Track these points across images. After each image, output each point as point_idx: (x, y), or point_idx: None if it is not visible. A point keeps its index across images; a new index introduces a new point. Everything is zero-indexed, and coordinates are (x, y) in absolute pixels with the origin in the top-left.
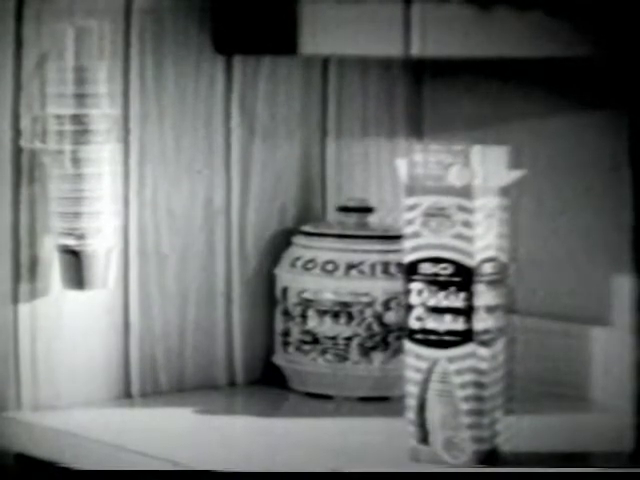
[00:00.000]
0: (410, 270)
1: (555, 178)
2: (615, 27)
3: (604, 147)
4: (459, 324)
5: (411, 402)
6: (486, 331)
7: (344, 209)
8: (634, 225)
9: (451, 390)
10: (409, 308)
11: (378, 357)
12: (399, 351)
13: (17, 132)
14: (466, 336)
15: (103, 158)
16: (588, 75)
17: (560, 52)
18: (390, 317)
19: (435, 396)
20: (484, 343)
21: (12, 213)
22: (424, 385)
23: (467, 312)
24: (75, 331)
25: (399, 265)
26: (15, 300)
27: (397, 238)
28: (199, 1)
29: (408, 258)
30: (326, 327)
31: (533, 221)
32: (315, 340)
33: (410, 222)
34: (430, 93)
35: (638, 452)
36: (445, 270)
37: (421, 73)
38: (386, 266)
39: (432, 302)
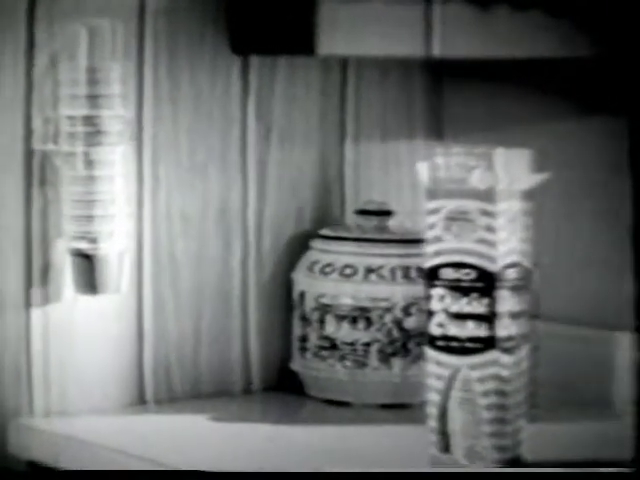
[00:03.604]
0: (431, 275)
1: (574, 181)
2: (618, 28)
3: (623, 149)
4: (482, 331)
5: (432, 410)
6: (509, 338)
7: (363, 212)
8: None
9: (473, 398)
10: (430, 314)
11: (398, 363)
12: (419, 357)
13: (29, 133)
14: (489, 343)
15: (116, 160)
16: (605, 76)
17: (583, 53)
18: (410, 323)
19: (457, 404)
20: (507, 350)
21: (24, 216)
22: (446, 393)
23: (490, 318)
24: (88, 336)
25: (419, 270)
26: (27, 305)
27: (417, 242)
28: (215, 1)
29: (429, 263)
30: (344, 333)
31: (556, 225)
32: (333, 346)
33: (432, 226)
34: (450, 94)
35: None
36: (467, 275)
37: (441, 74)
38: (406, 270)
39: (454, 308)
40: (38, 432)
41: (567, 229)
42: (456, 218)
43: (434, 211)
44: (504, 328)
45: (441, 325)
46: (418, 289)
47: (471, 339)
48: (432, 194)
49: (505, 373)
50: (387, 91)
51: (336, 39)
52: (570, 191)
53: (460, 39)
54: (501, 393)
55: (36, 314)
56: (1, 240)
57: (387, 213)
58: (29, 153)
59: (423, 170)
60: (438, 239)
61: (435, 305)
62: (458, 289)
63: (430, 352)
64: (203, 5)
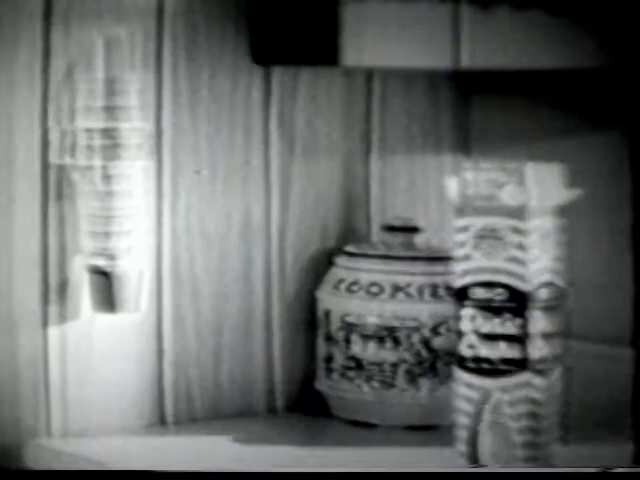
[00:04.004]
0: (461, 295)
1: (609, 196)
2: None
3: None
4: (514, 352)
5: (462, 433)
6: (542, 359)
7: (389, 228)
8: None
9: (504, 422)
10: (460, 335)
11: (426, 384)
12: (448, 378)
13: (45, 147)
14: (521, 365)
15: (134, 174)
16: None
17: (612, 64)
18: (439, 342)
19: (487, 428)
20: (540, 372)
21: (41, 232)
22: (476, 416)
23: (522, 339)
24: (106, 356)
25: (448, 288)
26: (44, 323)
27: (445, 259)
28: (235, 10)
29: (459, 282)
30: (371, 352)
31: (589, 242)
32: (359, 366)
33: (461, 244)
34: (478, 106)
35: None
36: (499, 295)
37: (468, 86)
38: (434, 289)
39: (485, 329)
40: (56, 453)
41: (601, 246)
42: (486, 236)
43: (463, 229)
44: (537, 349)
45: (472, 346)
46: (446, 308)
47: (503, 361)
48: (461, 211)
49: (538, 396)
50: (413, 103)
51: (361, 50)
52: (605, 207)
53: (489, 50)
54: (534, 416)
55: (53, 333)
56: (17, 256)
57: (414, 229)
58: (45, 167)
59: (451, 186)
60: (467, 257)
61: (465, 326)
62: (489, 309)
63: (460, 374)
64: (223, 15)
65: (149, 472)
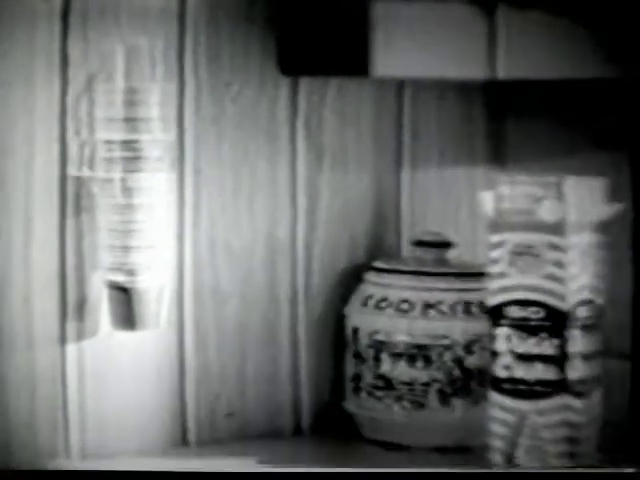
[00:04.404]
0: (496, 314)
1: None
2: None
3: None
4: (551, 373)
5: (496, 457)
6: (581, 381)
7: (420, 243)
8: None
9: (542, 446)
10: (495, 355)
11: (458, 405)
12: (481, 399)
13: (64, 158)
14: (559, 386)
15: (155, 187)
16: None
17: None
18: (472, 361)
19: (524, 452)
20: (579, 394)
21: (58, 246)
22: (512, 440)
23: (560, 360)
24: (126, 374)
25: (481, 305)
26: (62, 341)
27: (478, 275)
28: (261, 18)
29: (494, 300)
30: (401, 371)
31: (628, 258)
32: (389, 385)
33: (496, 261)
34: (513, 118)
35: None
36: (535, 314)
37: (503, 97)
38: (467, 306)
39: (521, 349)
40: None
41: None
42: (522, 252)
43: (498, 245)
44: (575, 370)
45: (507, 367)
46: (480, 325)
47: (540, 382)
48: (496, 226)
49: (576, 419)
50: (446, 115)
51: (392, 60)
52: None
53: (525, 60)
54: (572, 440)
55: (71, 351)
56: (34, 271)
57: (445, 244)
58: (64, 179)
59: (486, 200)
60: (503, 275)
61: (500, 345)
62: (525, 329)
63: (494, 396)
64: (248, 23)
65: (149, 472)
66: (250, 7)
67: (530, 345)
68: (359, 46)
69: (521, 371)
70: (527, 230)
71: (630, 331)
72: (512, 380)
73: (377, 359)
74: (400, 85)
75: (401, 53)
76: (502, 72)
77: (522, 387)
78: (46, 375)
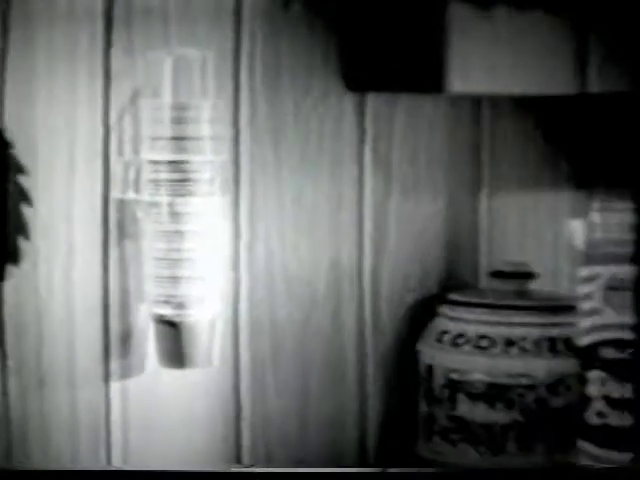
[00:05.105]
0: (587, 354)
1: None
2: None
3: None
4: None
5: None
6: None
7: (499, 274)
8: None
9: None
10: (586, 400)
11: (541, 451)
12: (568, 446)
13: (107, 180)
14: None
15: (206, 212)
16: None
17: None
18: (557, 404)
19: None
20: None
21: (101, 275)
22: None
23: None
24: (174, 418)
25: (568, 342)
26: (105, 378)
27: (564, 309)
28: (324, 31)
29: (585, 340)
30: (479, 414)
31: None
32: (465, 428)
33: (588, 296)
34: (603, 137)
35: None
36: (633, 356)
37: (592, 113)
38: (552, 343)
39: (616, 394)
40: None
41: None
42: (617, 287)
43: (590, 278)
44: None
45: (600, 414)
46: (566, 365)
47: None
48: (588, 258)
49: None
50: (527, 134)
51: (469, 75)
52: None
53: (616, 74)
54: None
55: (115, 390)
56: (76, 303)
57: (527, 275)
58: (106, 203)
59: (575, 229)
60: (595, 312)
61: (593, 389)
62: (621, 372)
63: (585, 445)
64: (310, 36)
65: (149, 472)
66: (312, 17)
67: (627, 390)
68: (433, 60)
69: (616, 419)
70: (622, 262)
71: None
72: (606, 428)
73: (452, 400)
74: (477, 102)
75: (478, 68)
76: (594, 86)
77: (616, 437)
78: (88, 416)
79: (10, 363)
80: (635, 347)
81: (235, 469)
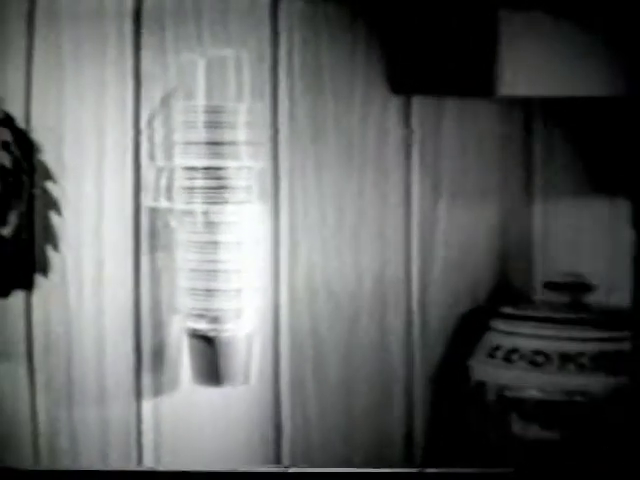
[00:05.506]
0: None
1: None
2: None
3: None
4: None
5: None
6: None
7: (554, 286)
8: None
9: None
10: None
11: (598, 468)
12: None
13: (138, 187)
14: None
15: (243, 221)
16: None
17: None
18: (614, 421)
19: None
20: None
21: (132, 287)
22: None
23: None
24: (209, 438)
25: (629, 358)
26: (137, 395)
27: (622, 323)
28: (367, 31)
29: None
30: (533, 432)
31: None
32: (518, 447)
33: None
34: None
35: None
36: None
37: None
38: (610, 358)
39: None
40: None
41: None
42: None
43: None
44: None
45: None
46: (623, 381)
47: None
48: None
49: None
50: (582, 137)
51: (520, 77)
52: None
53: None
54: None
55: (147, 407)
56: (106, 315)
57: (583, 287)
58: (138, 211)
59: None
60: None
61: None
62: None
63: None
64: (352, 34)
65: (149, 472)
66: (354, 16)
67: None
68: (483, 62)
69: None
70: None
71: None
72: None
73: (504, 417)
74: (528, 106)
75: (531, 69)
76: None
77: None
78: (119, 435)
79: (39, 378)
80: None
81: None
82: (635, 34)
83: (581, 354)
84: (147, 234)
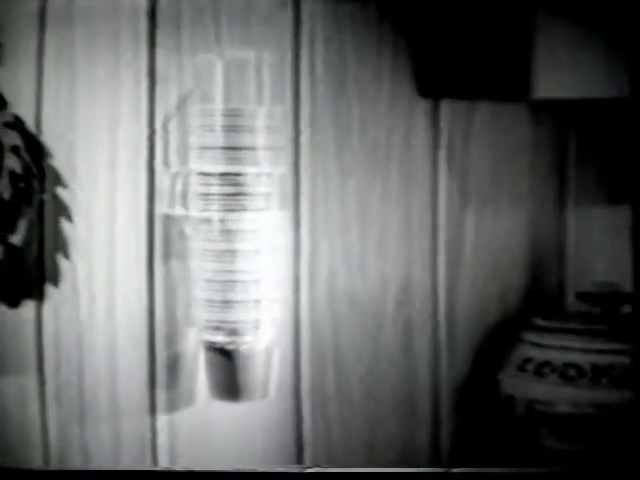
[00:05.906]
0: None
1: None
2: None
3: None
4: None
5: None
6: None
7: (588, 296)
8: None
9: None
10: None
11: None
12: None
13: (152, 193)
14: None
15: (263, 229)
16: None
17: None
18: None
19: None
20: None
21: (146, 297)
22: None
23: None
24: (227, 455)
25: None
26: (152, 410)
27: None
28: (394, 33)
29: None
30: (564, 447)
31: None
32: (549, 462)
33: None
34: None
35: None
36: None
37: None
38: None
39: None
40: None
41: None
42: None
43: None
44: None
45: None
46: None
47: None
48: None
49: None
50: (618, 143)
51: (554, 81)
52: None
53: None
54: None
55: (162, 422)
56: (119, 327)
57: (618, 297)
58: (151, 218)
59: None
60: None
61: None
62: None
63: None
64: (378, 35)
65: (149, 472)
66: (381, 17)
67: None
68: (516, 65)
69: None
70: None
71: None
72: None
73: (536, 433)
74: (563, 109)
75: (567, 72)
76: None
77: None
78: (133, 451)
79: (49, 391)
80: None
81: None
82: None
83: (614, 367)
84: (161, 242)
